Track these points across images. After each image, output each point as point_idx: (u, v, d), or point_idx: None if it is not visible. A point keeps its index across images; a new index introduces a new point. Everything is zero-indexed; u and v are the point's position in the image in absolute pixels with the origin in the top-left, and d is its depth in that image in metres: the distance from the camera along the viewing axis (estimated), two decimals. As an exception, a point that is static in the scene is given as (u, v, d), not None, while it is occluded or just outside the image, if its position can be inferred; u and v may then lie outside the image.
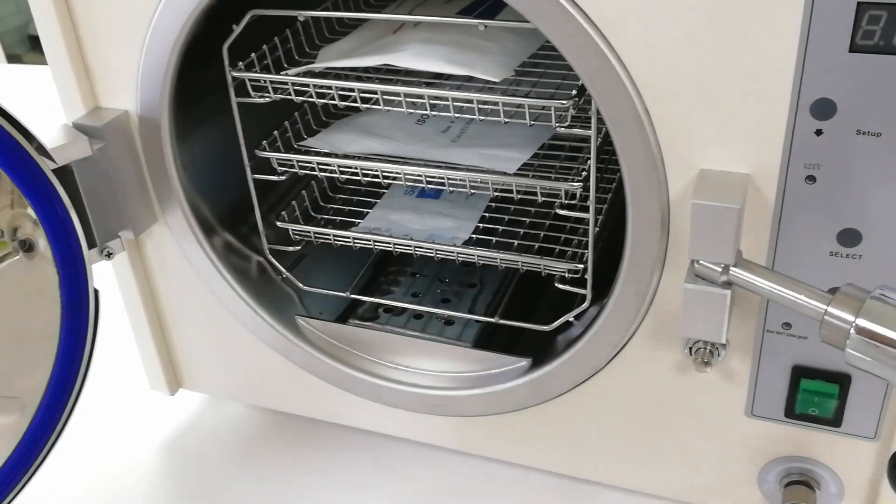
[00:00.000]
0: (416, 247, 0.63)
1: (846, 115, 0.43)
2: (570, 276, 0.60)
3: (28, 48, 3.53)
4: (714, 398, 0.55)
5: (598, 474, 0.63)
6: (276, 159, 0.62)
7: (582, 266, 0.59)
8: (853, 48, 0.42)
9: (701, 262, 0.47)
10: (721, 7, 0.43)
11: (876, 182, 0.45)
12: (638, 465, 0.61)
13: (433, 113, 0.57)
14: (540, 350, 0.60)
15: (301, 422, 0.72)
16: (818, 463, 0.55)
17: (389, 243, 0.64)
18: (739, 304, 0.51)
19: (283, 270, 0.67)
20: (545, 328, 0.60)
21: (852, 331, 0.41)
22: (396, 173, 0.60)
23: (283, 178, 0.63)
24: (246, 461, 0.70)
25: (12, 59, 2.99)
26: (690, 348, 0.52)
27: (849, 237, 0.47)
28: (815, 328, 0.44)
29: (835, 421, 0.52)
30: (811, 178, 0.46)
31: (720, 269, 0.46)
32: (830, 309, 0.42)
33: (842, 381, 0.51)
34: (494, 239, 0.65)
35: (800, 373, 0.52)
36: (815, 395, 0.52)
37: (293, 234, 0.66)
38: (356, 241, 0.65)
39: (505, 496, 0.66)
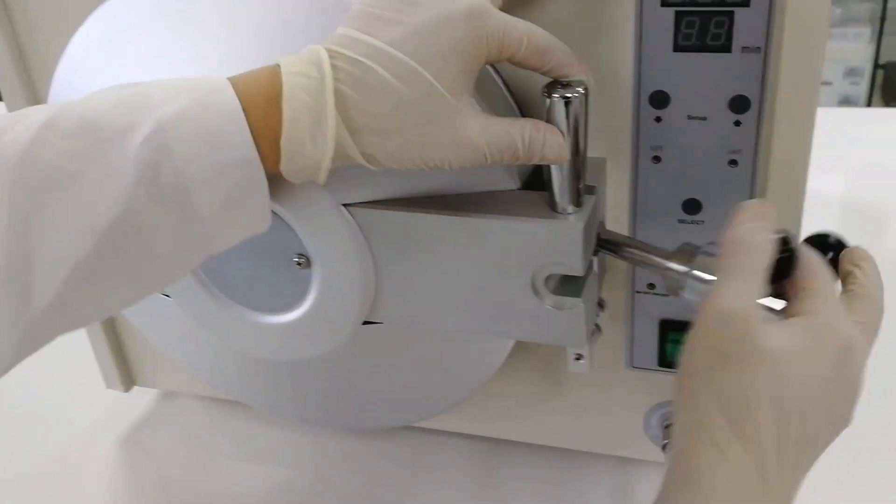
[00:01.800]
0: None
1: (678, 103, 0.52)
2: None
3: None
4: (599, 355, 0.64)
5: (509, 433, 0.71)
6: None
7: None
8: (676, 48, 0.51)
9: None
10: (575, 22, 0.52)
11: (707, 157, 0.54)
12: (545, 420, 0.69)
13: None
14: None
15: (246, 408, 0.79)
16: (691, 405, 0.64)
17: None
18: (611, 270, 0.60)
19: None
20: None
21: (687, 279, 0.50)
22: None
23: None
24: (198, 450, 0.77)
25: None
26: (574, 311, 0.61)
27: (692, 206, 0.56)
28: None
29: (699, 366, 0.61)
30: (657, 158, 0.55)
31: (586, 239, 0.55)
32: (669, 264, 0.51)
33: (701, 330, 0.60)
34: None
35: (666, 326, 0.61)
36: (679, 343, 0.60)
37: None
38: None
39: (421, 460, 0.74)
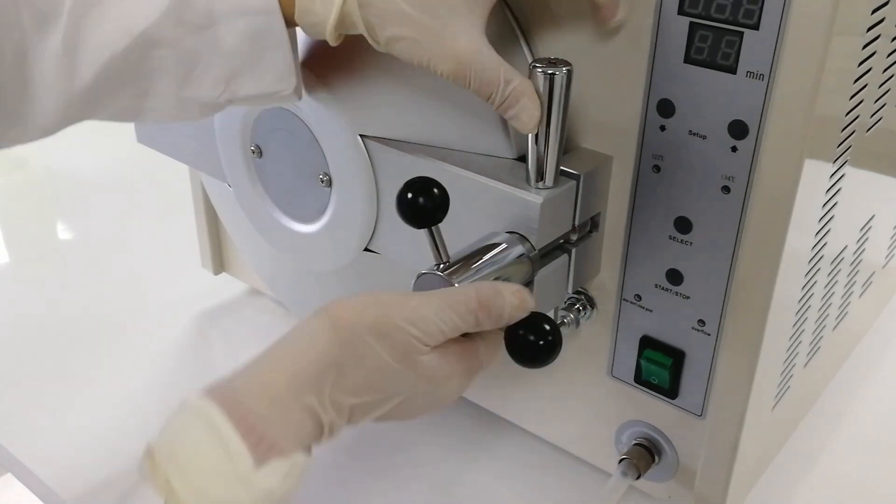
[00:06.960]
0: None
1: (682, 116, 0.52)
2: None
3: None
4: (585, 355, 0.64)
5: (496, 406, 0.73)
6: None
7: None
8: (686, 59, 0.51)
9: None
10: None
11: (702, 178, 0.53)
12: (529, 405, 0.70)
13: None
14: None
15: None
16: (660, 432, 0.62)
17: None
18: (606, 266, 0.60)
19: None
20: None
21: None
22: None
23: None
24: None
25: None
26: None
27: (683, 225, 0.55)
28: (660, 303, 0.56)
29: (671, 392, 0.60)
30: (657, 168, 0.55)
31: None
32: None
33: (677, 355, 0.59)
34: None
35: (646, 343, 0.60)
36: (653, 363, 0.59)
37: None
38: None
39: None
